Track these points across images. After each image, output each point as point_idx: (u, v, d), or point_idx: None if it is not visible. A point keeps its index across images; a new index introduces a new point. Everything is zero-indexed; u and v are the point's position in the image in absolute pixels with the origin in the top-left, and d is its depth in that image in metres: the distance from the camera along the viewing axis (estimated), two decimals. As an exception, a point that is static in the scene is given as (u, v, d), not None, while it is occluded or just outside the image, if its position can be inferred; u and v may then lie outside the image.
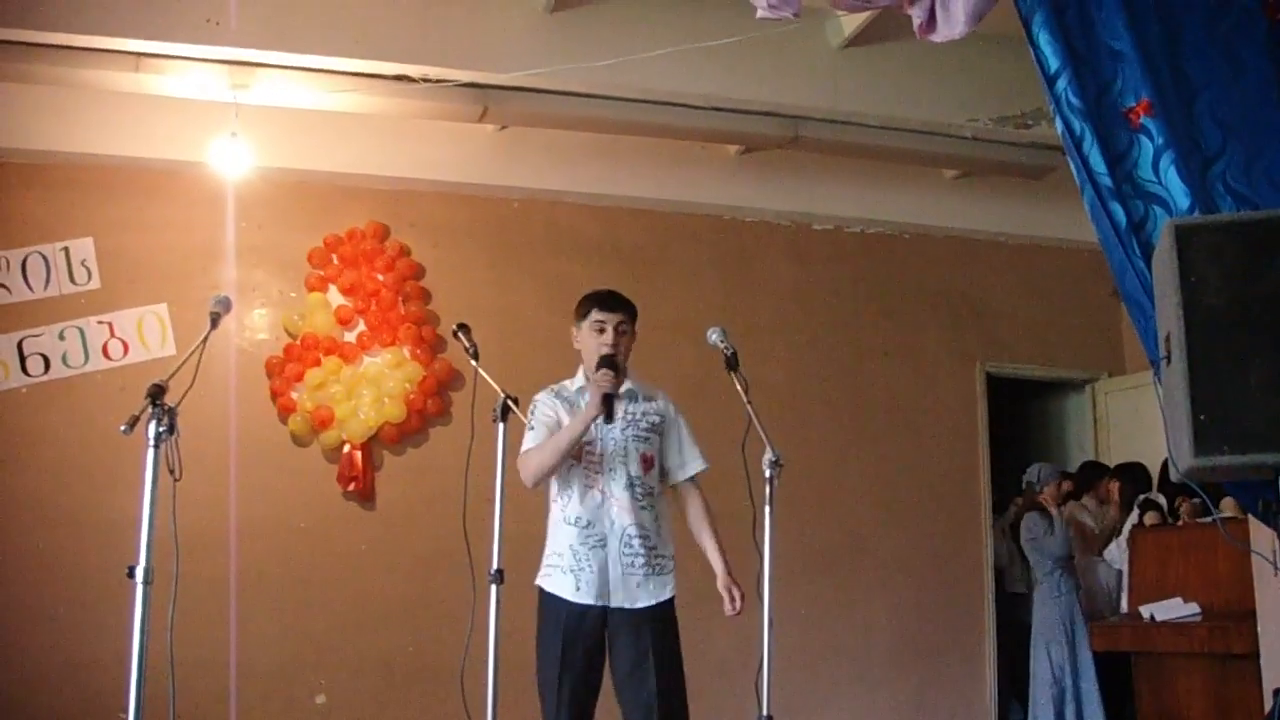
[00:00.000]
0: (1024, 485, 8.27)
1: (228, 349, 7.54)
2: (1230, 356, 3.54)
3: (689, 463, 4.48)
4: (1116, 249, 4.25)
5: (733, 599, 4.32)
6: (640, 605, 4.25)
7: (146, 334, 7.57)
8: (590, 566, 4.17)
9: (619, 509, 4.24)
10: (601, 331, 4.33)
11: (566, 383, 4.45)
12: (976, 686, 8.88)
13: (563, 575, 4.19)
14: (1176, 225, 3.67)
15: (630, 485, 4.28)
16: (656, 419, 4.39)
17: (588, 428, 4.18)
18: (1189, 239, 3.62)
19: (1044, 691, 7.78)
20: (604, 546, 4.20)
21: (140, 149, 7.51)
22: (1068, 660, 7.72)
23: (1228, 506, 7.24)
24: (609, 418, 4.18)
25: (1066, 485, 8.21)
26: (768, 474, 4.03)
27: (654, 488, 4.37)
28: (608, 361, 4.20)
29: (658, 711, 4.19)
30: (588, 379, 4.34)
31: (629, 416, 4.28)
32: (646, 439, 4.36)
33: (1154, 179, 4.22)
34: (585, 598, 4.17)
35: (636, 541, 4.25)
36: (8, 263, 7.43)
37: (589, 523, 4.21)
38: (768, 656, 3.99)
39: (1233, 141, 4.28)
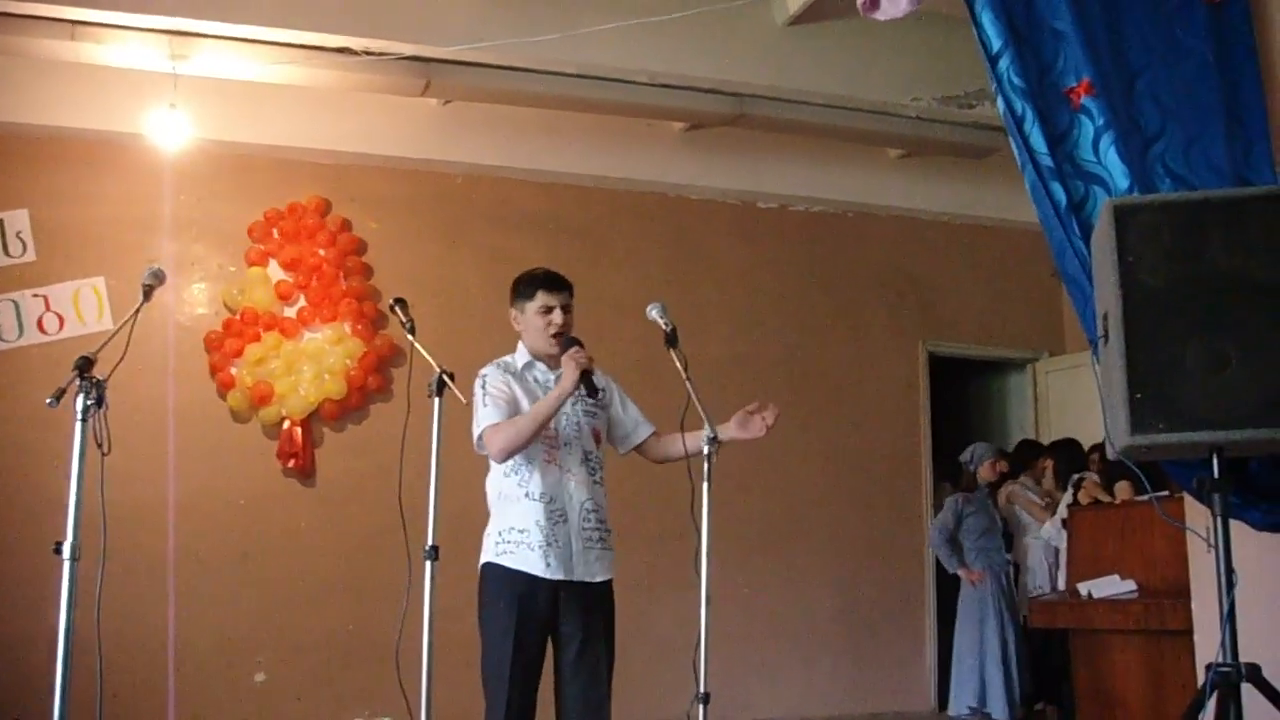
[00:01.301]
0: (960, 465, 8.34)
1: (166, 323, 7.44)
2: (1167, 336, 3.56)
3: (640, 421, 4.51)
4: (1057, 229, 4.26)
5: (761, 407, 4.28)
6: (598, 579, 4.25)
7: (83, 308, 7.46)
8: (555, 542, 4.16)
9: (577, 484, 4.25)
10: (549, 312, 4.32)
11: (508, 359, 4.41)
12: (916, 662, 8.95)
13: (529, 551, 4.15)
14: (1115, 205, 3.68)
15: (586, 460, 4.29)
16: (600, 392, 4.38)
17: (563, 404, 4.17)
18: (1127, 219, 3.63)
19: (965, 663, 7.95)
20: (566, 521, 4.20)
21: (77, 119, 7.38)
22: (995, 635, 7.85)
23: (1121, 490, 7.39)
24: (592, 393, 4.19)
25: (1002, 465, 8.29)
26: (705, 451, 4.03)
27: (603, 461, 4.38)
28: (575, 340, 4.21)
29: (600, 693, 4.22)
30: (533, 358, 4.35)
31: (579, 393, 4.26)
32: (595, 414, 4.38)
33: (1094, 159, 4.23)
34: (555, 573, 4.15)
35: (593, 516, 4.27)
36: (-60, 234, 7.30)
37: (552, 498, 4.20)
38: (705, 633, 3.98)
39: (1172, 123, 4.30)
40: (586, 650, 4.21)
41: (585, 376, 4.11)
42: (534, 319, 4.34)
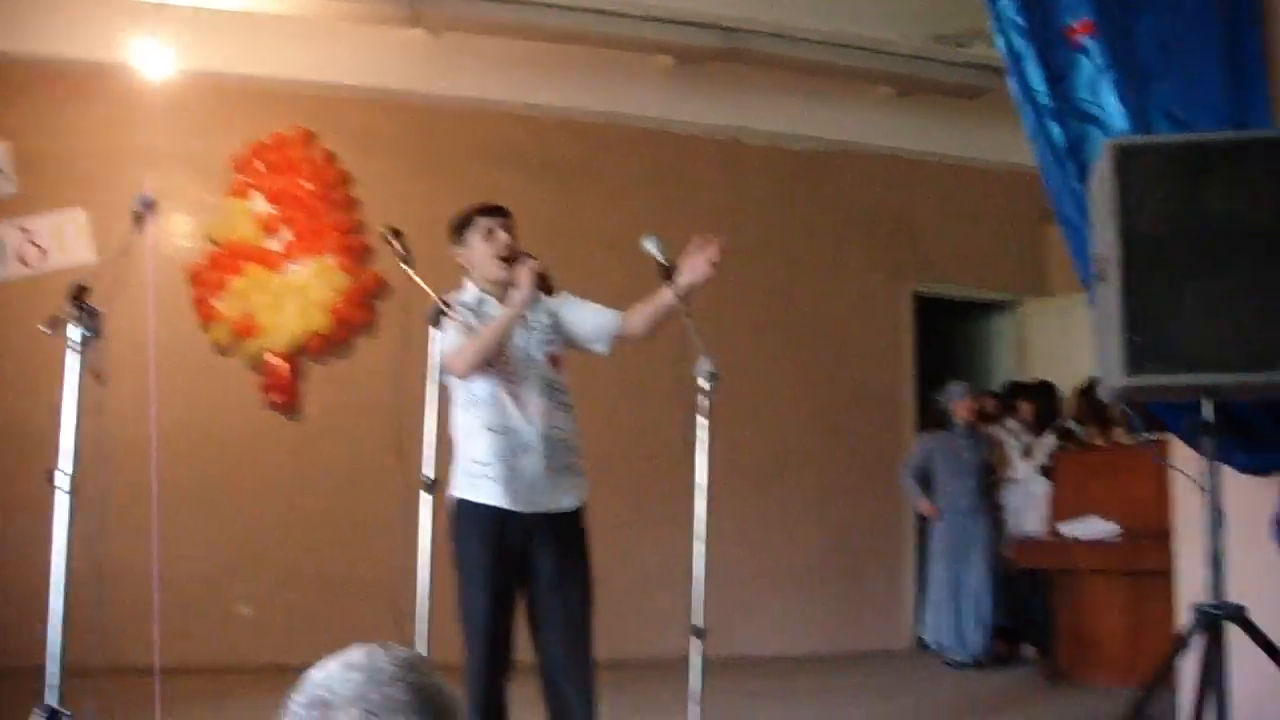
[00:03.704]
0: (936, 403, 8.40)
1: (149, 255, 7.35)
2: (1165, 278, 3.55)
3: (604, 313, 4.39)
4: (1054, 169, 4.24)
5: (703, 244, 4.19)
6: (565, 508, 4.24)
7: (65, 240, 7.38)
8: (517, 474, 4.14)
9: (537, 413, 4.20)
10: (492, 233, 4.28)
11: (456, 294, 4.35)
12: (897, 601, 9.03)
13: (491, 484, 4.13)
14: (1116, 145, 3.66)
15: (547, 387, 4.24)
16: (549, 318, 4.33)
17: (524, 309, 4.14)
18: (1128, 160, 3.61)
19: (937, 594, 8.12)
20: (528, 452, 4.16)
21: (59, 48, 7.27)
22: (949, 573, 8.01)
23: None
24: (548, 290, 4.14)
25: (975, 404, 8.31)
26: (704, 385, 3.96)
27: (567, 385, 4.33)
28: (524, 254, 4.17)
29: (580, 617, 4.22)
30: (483, 293, 4.29)
31: (528, 323, 4.23)
32: (550, 340, 4.31)
33: (1092, 100, 4.21)
34: (518, 504, 4.13)
35: (557, 445, 4.23)
36: (-81, 164, 7.21)
37: (512, 430, 4.16)
38: (701, 569, 3.98)
39: (1171, 65, 4.27)
40: (562, 580, 4.21)
41: (541, 278, 4.07)
42: (479, 245, 4.28)
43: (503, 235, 4.28)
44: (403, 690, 1.43)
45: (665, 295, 4.18)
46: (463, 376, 4.14)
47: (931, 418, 9.37)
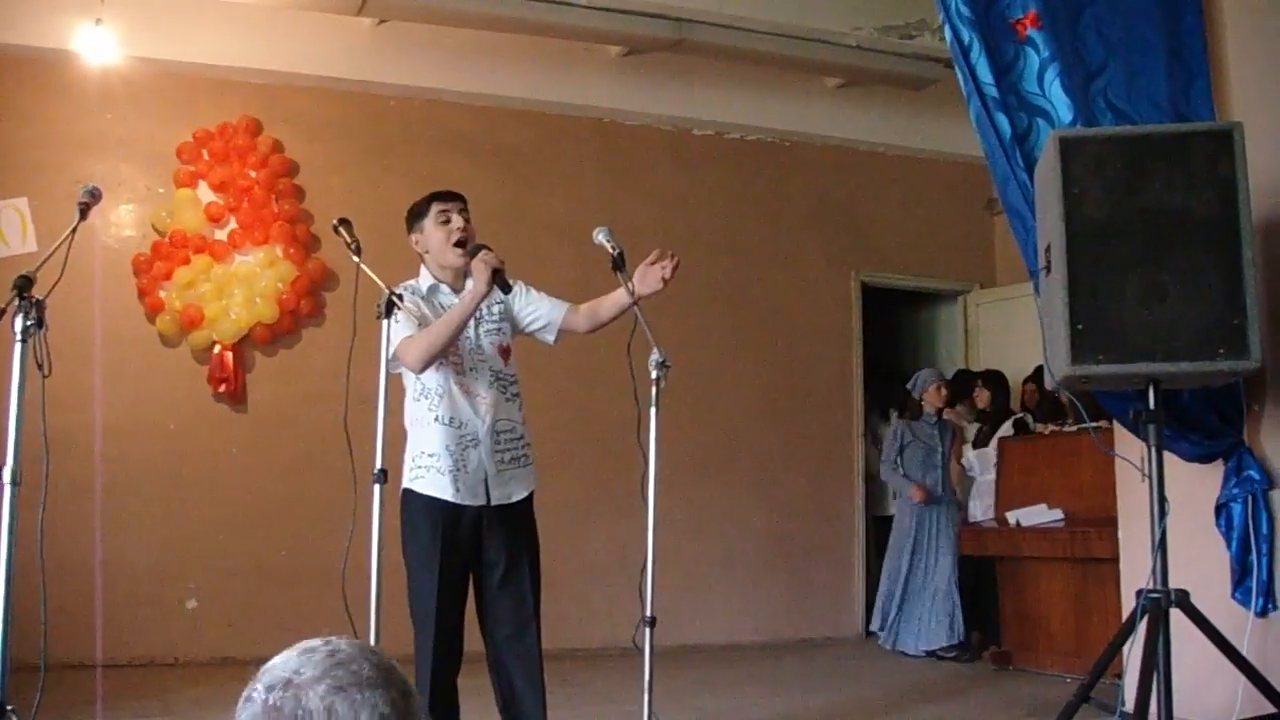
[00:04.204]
0: (907, 393, 8.37)
1: (93, 245, 7.27)
2: (1109, 268, 3.61)
3: (553, 304, 4.41)
4: (1000, 160, 4.29)
5: (660, 257, 4.22)
6: (515, 500, 4.24)
7: (6, 229, 7.26)
8: (465, 466, 4.14)
9: (486, 405, 4.21)
10: (448, 220, 4.29)
11: (412, 283, 4.35)
12: (846, 588, 9.08)
13: (439, 476, 4.13)
14: (1061, 137, 3.71)
15: (496, 379, 4.25)
16: (499, 306, 4.33)
17: (479, 305, 4.12)
18: (1073, 151, 3.67)
19: (892, 585, 8.10)
20: (477, 445, 4.17)
21: (2, 34, 7.15)
22: (929, 563, 7.98)
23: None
24: (505, 288, 4.13)
25: (945, 391, 8.26)
26: (654, 375, 3.98)
27: (515, 376, 4.34)
28: (481, 246, 4.15)
29: (529, 607, 4.23)
30: (437, 280, 4.30)
31: (479, 315, 4.22)
32: (499, 329, 4.31)
33: (1039, 91, 4.27)
34: (464, 498, 4.13)
35: (505, 436, 4.24)
36: None
37: (461, 422, 4.16)
38: (651, 558, 3.99)
39: (1114, 58, 4.34)
40: (511, 571, 4.22)
41: (498, 275, 4.06)
42: (434, 231, 4.30)
43: (457, 220, 4.30)
44: (368, 668, 1.44)
45: (620, 297, 4.21)
46: (416, 370, 4.14)
47: (878, 407, 9.43)
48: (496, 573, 4.22)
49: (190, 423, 7.54)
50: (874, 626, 8.39)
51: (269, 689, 1.41)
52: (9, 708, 3.23)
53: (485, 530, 4.20)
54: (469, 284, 4.18)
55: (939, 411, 8.20)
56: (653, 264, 4.21)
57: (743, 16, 7.49)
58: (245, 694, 1.43)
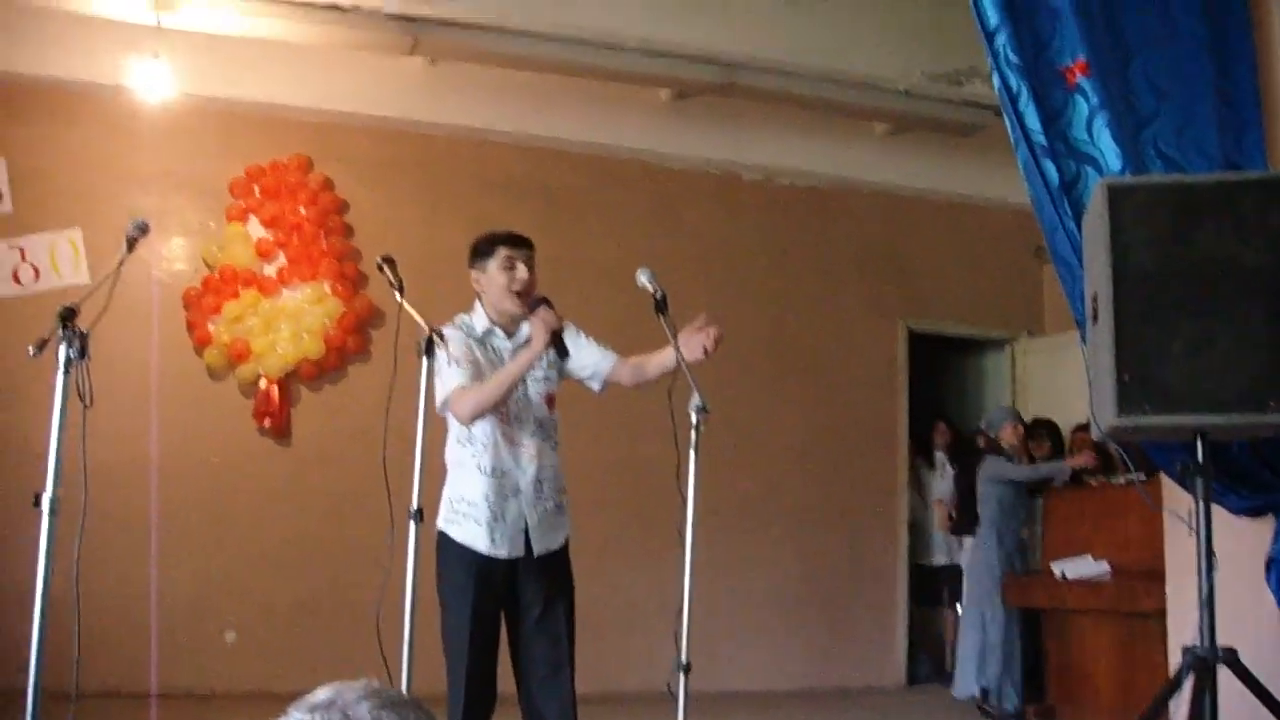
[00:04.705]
0: (980, 431, 8.13)
1: (144, 279, 7.36)
2: (1156, 318, 3.55)
3: (602, 354, 4.37)
4: (1048, 208, 4.25)
5: (706, 325, 4.17)
6: (554, 548, 4.22)
7: (59, 260, 7.38)
8: (503, 517, 4.10)
9: (529, 455, 4.17)
10: (513, 267, 4.24)
11: (465, 318, 4.32)
12: (887, 639, 8.98)
13: (475, 526, 4.09)
14: (1109, 185, 3.67)
15: (539, 428, 4.22)
16: (549, 357, 4.30)
17: (533, 365, 4.11)
18: (1121, 199, 3.62)
19: (975, 636, 7.61)
20: (517, 495, 4.13)
21: (58, 68, 7.28)
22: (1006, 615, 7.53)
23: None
24: (562, 353, 4.12)
25: (1021, 429, 7.98)
26: (694, 420, 3.96)
27: (557, 423, 4.31)
28: (542, 300, 4.14)
29: (563, 650, 4.18)
30: (492, 324, 4.27)
31: (542, 359, 4.20)
32: (547, 378, 4.29)
33: (1087, 139, 4.22)
34: (499, 550, 4.10)
35: (547, 486, 4.20)
36: (-85, 182, 7.20)
37: (503, 472, 4.13)
38: (688, 603, 3.95)
39: (1165, 105, 4.29)
40: (547, 612, 4.18)
41: (556, 337, 4.05)
42: (496, 275, 4.24)
43: (522, 270, 4.23)
44: (404, 697, 1.46)
45: (666, 360, 4.20)
46: (465, 423, 4.10)
47: (922, 454, 9.32)
48: (532, 614, 4.18)
49: (234, 457, 7.59)
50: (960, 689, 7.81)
51: (311, 710, 1.41)
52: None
53: (521, 576, 4.16)
54: (524, 328, 4.17)
55: (1017, 450, 7.88)
56: (699, 330, 4.17)
57: (791, 61, 7.50)
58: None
